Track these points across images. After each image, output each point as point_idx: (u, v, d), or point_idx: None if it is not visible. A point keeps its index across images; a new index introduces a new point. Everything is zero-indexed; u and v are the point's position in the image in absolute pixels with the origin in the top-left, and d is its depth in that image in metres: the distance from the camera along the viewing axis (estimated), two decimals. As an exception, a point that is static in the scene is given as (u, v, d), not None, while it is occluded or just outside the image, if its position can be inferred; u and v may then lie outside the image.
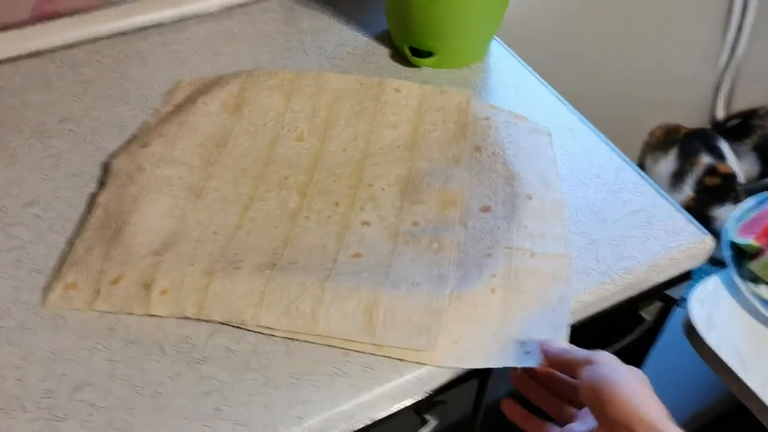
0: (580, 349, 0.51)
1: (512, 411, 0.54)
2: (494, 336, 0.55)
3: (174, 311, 0.56)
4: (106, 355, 0.54)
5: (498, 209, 0.64)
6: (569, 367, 0.50)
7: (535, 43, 1.09)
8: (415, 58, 0.81)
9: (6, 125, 0.74)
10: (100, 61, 0.82)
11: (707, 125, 1.42)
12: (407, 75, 0.81)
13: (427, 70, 0.82)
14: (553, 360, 0.52)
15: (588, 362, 0.48)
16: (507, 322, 0.56)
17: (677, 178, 1.25)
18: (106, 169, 0.69)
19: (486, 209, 0.65)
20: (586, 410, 0.50)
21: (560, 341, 0.54)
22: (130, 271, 0.57)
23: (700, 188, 1.23)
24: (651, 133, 1.33)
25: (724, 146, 1.30)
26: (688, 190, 1.23)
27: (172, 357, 0.54)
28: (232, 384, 0.53)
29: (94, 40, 0.85)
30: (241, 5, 0.91)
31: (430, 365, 0.54)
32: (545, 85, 0.80)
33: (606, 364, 0.47)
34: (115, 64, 0.82)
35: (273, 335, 0.56)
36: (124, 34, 0.86)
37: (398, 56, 0.84)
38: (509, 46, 0.86)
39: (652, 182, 0.70)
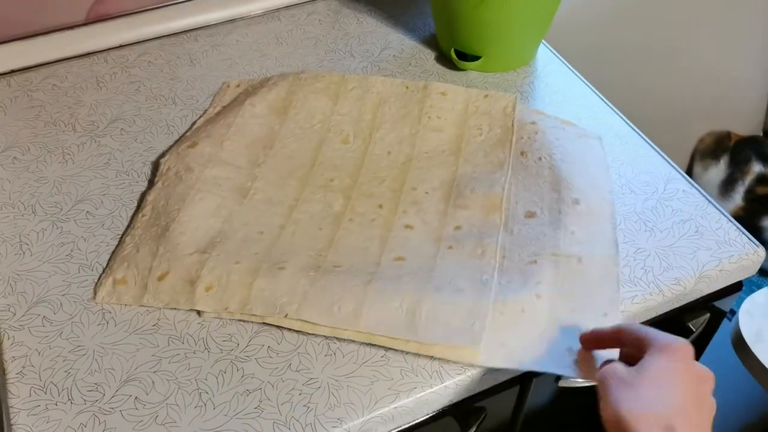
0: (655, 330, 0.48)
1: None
2: (542, 337, 0.54)
3: (218, 307, 0.57)
4: (151, 351, 0.55)
5: (544, 215, 0.63)
6: (638, 344, 0.47)
7: (583, 48, 1.07)
8: (461, 62, 0.80)
9: (59, 123, 0.76)
10: (151, 62, 0.84)
11: (759, 133, 1.38)
12: (453, 78, 0.81)
13: (472, 73, 0.82)
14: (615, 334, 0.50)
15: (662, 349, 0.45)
16: (555, 323, 0.55)
17: (727, 187, 1.22)
18: (155, 167, 0.70)
19: (531, 215, 0.64)
20: None
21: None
22: (176, 268, 0.58)
23: (751, 197, 1.20)
24: (701, 140, 1.30)
25: (777, 155, 1.26)
26: (738, 198, 1.20)
27: (216, 355, 0.55)
28: (274, 383, 0.53)
29: (144, 42, 0.87)
30: (287, 7, 0.92)
31: (475, 365, 0.54)
32: (594, 91, 0.79)
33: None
34: (165, 65, 0.83)
35: (314, 334, 0.56)
36: (173, 35, 0.88)
37: (444, 59, 0.84)
38: (556, 50, 0.85)
39: (703, 191, 0.68)
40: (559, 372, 0.53)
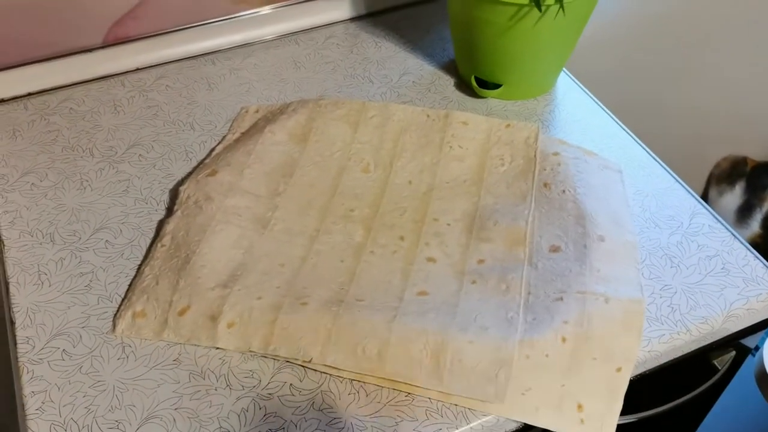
0: None
1: None
2: (560, 390, 0.54)
3: (240, 345, 0.56)
4: (172, 387, 0.55)
5: (569, 250, 0.63)
6: None
7: (599, 72, 1.07)
8: (481, 90, 0.80)
9: (77, 148, 0.75)
10: (169, 86, 0.83)
11: (775, 157, 1.38)
12: (473, 105, 0.80)
13: (493, 101, 0.81)
14: None
15: None
16: (573, 376, 0.54)
17: (744, 213, 1.21)
18: (173, 195, 0.70)
19: (556, 249, 0.63)
20: None
21: None
22: (197, 303, 0.58)
23: (768, 224, 1.19)
24: (717, 165, 1.29)
25: (793, 181, 1.25)
26: (755, 226, 1.19)
27: (238, 392, 0.54)
28: (297, 423, 0.53)
29: (162, 65, 0.86)
30: (305, 31, 0.92)
31: (496, 415, 0.53)
32: (615, 120, 0.78)
33: None
34: (182, 89, 0.83)
35: (339, 375, 0.55)
36: (191, 58, 0.87)
37: (464, 86, 0.83)
38: (574, 75, 0.85)
39: (729, 226, 0.67)
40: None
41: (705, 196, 1.29)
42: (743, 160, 1.26)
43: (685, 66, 1.17)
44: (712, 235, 0.66)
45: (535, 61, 0.76)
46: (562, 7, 0.68)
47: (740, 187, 1.23)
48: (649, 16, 1.11)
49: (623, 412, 0.56)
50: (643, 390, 0.63)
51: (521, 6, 0.69)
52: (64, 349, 0.57)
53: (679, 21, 1.13)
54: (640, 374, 0.60)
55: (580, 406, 0.54)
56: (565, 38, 0.76)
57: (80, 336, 0.58)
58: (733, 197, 1.22)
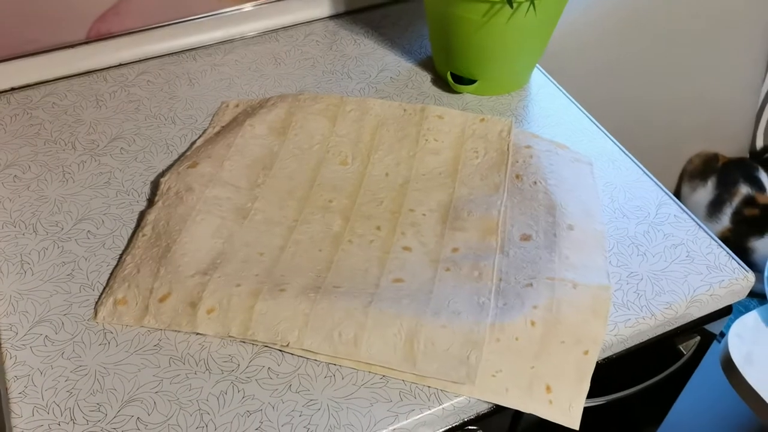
0: None
1: None
2: (529, 372, 0.56)
3: (219, 331, 0.58)
4: (153, 371, 0.56)
5: (539, 238, 0.65)
6: None
7: (574, 71, 1.09)
8: (457, 85, 0.82)
9: (60, 142, 0.76)
10: (151, 81, 0.84)
11: (746, 155, 1.41)
12: (448, 101, 0.82)
13: (468, 96, 0.83)
14: None
15: None
16: (542, 358, 0.56)
17: (715, 208, 1.24)
18: (154, 187, 0.71)
19: (527, 238, 0.65)
20: None
21: None
22: (178, 290, 0.59)
23: (738, 219, 1.22)
24: (689, 161, 1.32)
25: (764, 177, 1.28)
26: (725, 220, 1.22)
27: (217, 375, 0.56)
28: (274, 405, 0.54)
29: (144, 60, 0.87)
30: (285, 28, 0.93)
31: (467, 396, 0.55)
32: (587, 115, 0.81)
33: None
34: (164, 84, 0.84)
35: (315, 359, 0.57)
36: (173, 54, 0.89)
37: (440, 82, 0.85)
38: (550, 74, 0.87)
39: (694, 216, 0.70)
40: (537, 413, 0.55)
41: (678, 192, 1.32)
42: (715, 157, 1.29)
43: (658, 64, 1.20)
44: (677, 225, 0.69)
45: (508, 57, 0.79)
46: (533, 4, 0.70)
47: (712, 182, 1.26)
48: (622, 14, 1.14)
49: (592, 395, 0.58)
50: (612, 374, 0.65)
51: (494, 3, 0.71)
52: (46, 336, 0.58)
53: (652, 18, 1.16)
54: (607, 357, 0.62)
55: (548, 388, 0.56)
56: (537, 35, 0.78)
57: (62, 323, 0.59)
58: (705, 192, 1.26)
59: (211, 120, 0.79)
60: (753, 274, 0.65)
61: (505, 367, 0.56)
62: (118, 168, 0.73)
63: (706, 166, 1.29)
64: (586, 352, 0.58)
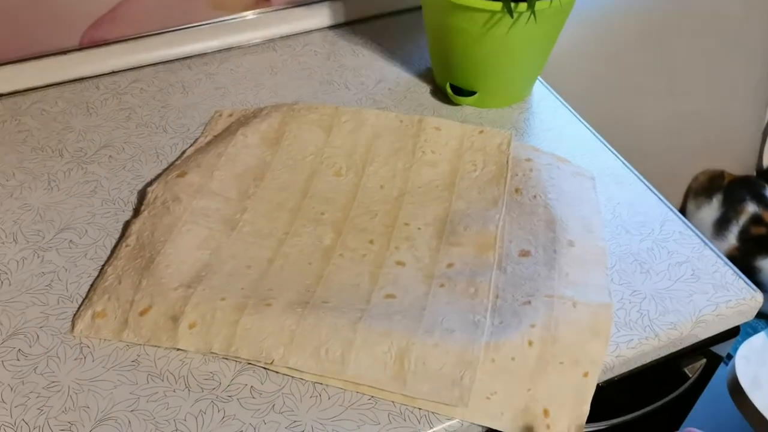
0: None
1: None
2: (526, 394, 0.53)
3: (201, 347, 0.55)
4: (129, 388, 0.53)
5: (538, 255, 0.62)
6: None
7: (578, 86, 1.07)
8: (456, 97, 0.80)
9: (47, 149, 0.74)
10: (144, 89, 0.83)
11: (752, 173, 1.38)
12: (448, 113, 0.80)
13: (467, 108, 0.81)
14: None
15: None
16: (540, 380, 0.53)
17: (721, 226, 1.21)
18: (142, 196, 0.69)
19: (525, 254, 0.63)
20: None
21: None
22: (159, 303, 0.57)
23: (745, 237, 1.19)
24: (694, 179, 1.29)
25: (771, 195, 1.26)
26: (732, 239, 1.19)
27: (197, 394, 0.53)
28: (256, 426, 0.51)
29: (138, 68, 0.86)
30: (283, 38, 0.92)
31: (460, 419, 0.52)
32: (589, 129, 0.79)
33: None
34: (157, 93, 0.82)
35: (301, 378, 0.54)
36: (167, 62, 0.87)
37: (439, 93, 0.83)
38: (552, 87, 0.85)
39: (699, 233, 0.67)
40: None
41: (683, 209, 1.29)
42: (720, 174, 1.26)
43: (663, 79, 1.18)
44: (682, 242, 0.66)
45: (509, 68, 0.77)
46: (533, 12, 0.68)
47: (717, 200, 1.23)
48: (627, 29, 1.12)
49: (593, 419, 0.55)
50: (614, 397, 0.62)
51: (494, 12, 0.69)
52: (20, 349, 0.55)
53: (658, 34, 1.14)
54: (608, 380, 0.59)
55: (546, 412, 0.53)
56: (538, 46, 0.76)
57: (37, 336, 0.57)
58: (711, 210, 1.23)
59: (204, 129, 0.77)
60: (761, 294, 0.62)
61: (500, 389, 0.53)
62: (105, 176, 0.71)
63: (711, 184, 1.26)
64: (585, 374, 0.55)
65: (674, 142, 1.23)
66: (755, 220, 1.20)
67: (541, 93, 0.84)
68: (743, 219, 1.19)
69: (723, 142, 1.29)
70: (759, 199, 1.23)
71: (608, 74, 1.13)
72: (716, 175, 1.27)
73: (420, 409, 0.53)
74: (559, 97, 0.83)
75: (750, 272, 1.16)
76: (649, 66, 1.16)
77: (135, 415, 0.52)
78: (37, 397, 0.52)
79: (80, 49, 0.84)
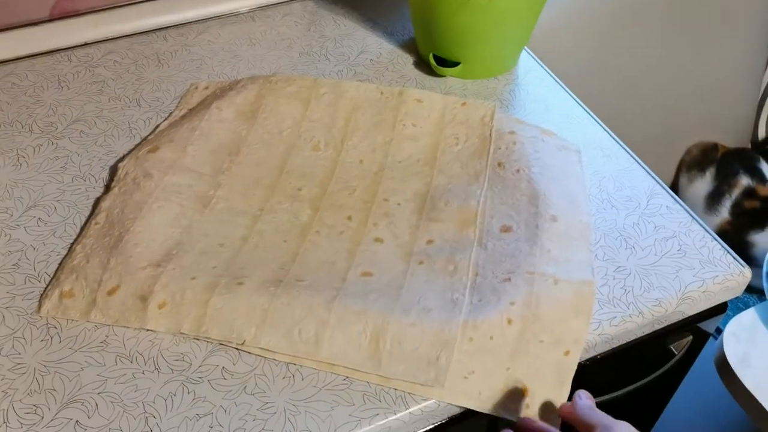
0: (601, 413, 0.47)
1: None
2: (505, 373, 0.52)
3: (171, 327, 0.53)
4: (97, 370, 0.52)
5: (520, 230, 0.60)
6: (585, 427, 0.46)
7: (567, 57, 1.04)
8: (440, 68, 0.77)
9: (16, 124, 0.72)
10: (117, 62, 0.80)
11: (747, 145, 1.36)
12: (431, 85, 0.78)
13: (451, 80, 0.79)
14: (569, 414, 0.48)
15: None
16: (519, 359, 0.52)
17: (713, 200, 1.19)
18: (113, 172, 0.67)
19: (507, 229, 0.61)
20: None
21: (586, 398, 0.50)
22: (128, 282, 0.55)
23: (738, 211, 1.17)
24: (687, 151, 1.27)
25: (765, 167, 1.23)
26: (724, 212, 1.17)
27: (166, 375, 0.52)
28: (227, 408, 0.50)
29: (112, 40, 0.83)
30: (262, 8, 0.89)
31: (437, 400, 0.51)
32: (577, 101, 0.76)
33: None
34: (131, 65, 0.80)
35: (273, 358, 0.52)
36: (142, 33, 0.84)
37: (423, 65, 0.80)
38: (540, 59, 0.82)
39: (687, 207, 0.65)
40: (514, 419, 0.51)
41: (676, 183, 1.27)
42: (714, 147, 1.24)
43: (656, 49, 1.15)
44: (669, 216, 0.64)
45: (493, 37, 0.74)
46: (517, -21, 0.66)
47: (710, 173, 1.21)
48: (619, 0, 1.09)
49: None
50: (597, 375, 0.61)
51: (476, -22, 0.67)
52: (-16, 331, 0.54)
53: (650, 2, 1.11)
54: (591, 358, 0.58)
55: (525, 391, 0.52)
56: (523, 14, 0.73)
57: (3, 317, 0.55)
58: (704, 184, 1.21)
59: (179, 103, 0.75)
60: (749, 269, 0.61)
61: (478, 368, 0.52)
62: (76, 152, 0.69)
63: (704, 157, 1.24)
64: (567, 353, 0.53)
65: (666, 113, 1.21)
66: (748, 193, 1.18)
67: (528, 64, 0.82)
68: (736, 192, 1.17)
69: (717, 113, 1.27)
70: (753, 172, 1.21)
71: (599, 45, 1.10)
72: (709, 147, 1.25)
73: (396, 389, 0.51)
74: (547, 69, 0.81)
75: (742, 247, 1.14)
76: (641, 36, 1.13)
77: (102, 397, 0.50)
78: (2, 379, 0.51)
79: (51, 20, 0.82)
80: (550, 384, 0.52)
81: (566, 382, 0.52)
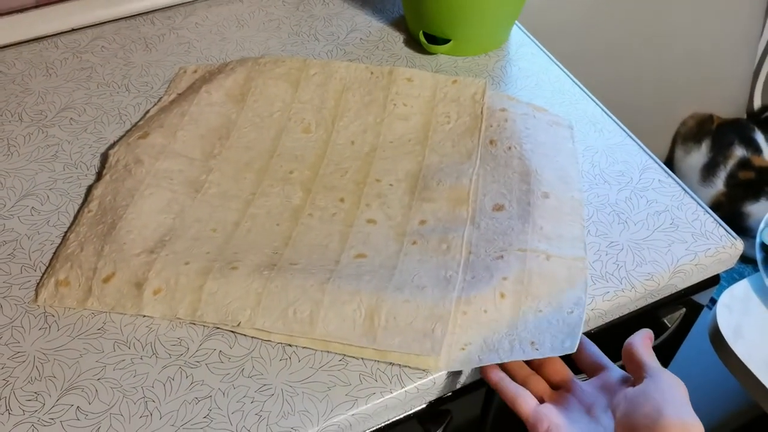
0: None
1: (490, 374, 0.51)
2: (504, 336, 0.52)
3: (167, 312, 0.54)
4: (95, 356, 0.52)
5: (512, 208, 0.60)
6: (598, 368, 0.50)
7: (559, 31, 1.04)
8: (430, 45, 0.77)
9: (5, 113, 0.72)
10: (105, 47, 0.79)
11: (743, 115, 1.36)
12: (421, 62, 0.77)
13: (442, 57, 0.78)
14: (587, 357, 0.51)
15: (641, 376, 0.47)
16: (517, 324, 0.52)
17: (709, 171, 1.19)
18: (104, 159, 0.67)
19: (499, 208, 0.61)
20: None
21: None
22: (122, 269, 0.55)
23: (733, 182, 1.17)
24: (683, 123, 1.27)
25: (760, 138, 1.23)
26: (719, 184, 1.17)
27: (164, 360, 0.52)
28: (225, 391, 0.50)
29: (98, 25, 0.82)
30: (251, -12, 0.88)
31: (435, 373, 0.51)
32: (569, 75, 0.76)
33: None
34: (119, 50, 0.79)
35: (269, 340, 0.53)
36: (129, 18, 0.83)
37: (413, 43, 0.80)
38: (531, 33, 0.82)
39: (680, 181, 0.65)
40: (521, 358, 0.50)
41: (671, 155, 1.27)
42: (709, 118, 1.23)
43: (648, 18, 1.14)
44: (662, 190, 0.64)
45: (483, 13, 0.73)
46: (505, -46, 0.65)
47: (706, 145, 1.20)
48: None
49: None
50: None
51: (464, -46, 0.66)
52: (-18, 321, 0.54)
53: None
54: (584, 333, 0.58)
55: (533, 344, 0.51)
56: (513, -11, 0.73)
57: (0, 306, 0.55)
58: (699, 155, 1.20)
59: (168, 87, 0.74)
60: (741, 241, 0.61)
61: (475, 339, 0.52)
62: (66, 140, 0.69)
63: (700, 128, 1.24)
64: (570, 312, 0.53)
65: (661, 84, 1.20)
66: (743, 164, 1.18)
67: (519, 39, 0.81)
68: (731, 163, 1.17)
69: (712, 83, 1.26)
70: (748, 142, 1.20)
71: (589, 14, 1.09)
72: (705, 119, 1.24)
73: (392, 364, 0.52)
74: (538, 43, 0.80)
75: (737, 218, 1.15)
76: (635, 6, 1.12)
77: (102, 383, 0.51)
78: (2, 368, 0.51)
79: (37, 6, 0.81)
80: (558, 339, 0.51)
81: (573, 333, 0.51)
